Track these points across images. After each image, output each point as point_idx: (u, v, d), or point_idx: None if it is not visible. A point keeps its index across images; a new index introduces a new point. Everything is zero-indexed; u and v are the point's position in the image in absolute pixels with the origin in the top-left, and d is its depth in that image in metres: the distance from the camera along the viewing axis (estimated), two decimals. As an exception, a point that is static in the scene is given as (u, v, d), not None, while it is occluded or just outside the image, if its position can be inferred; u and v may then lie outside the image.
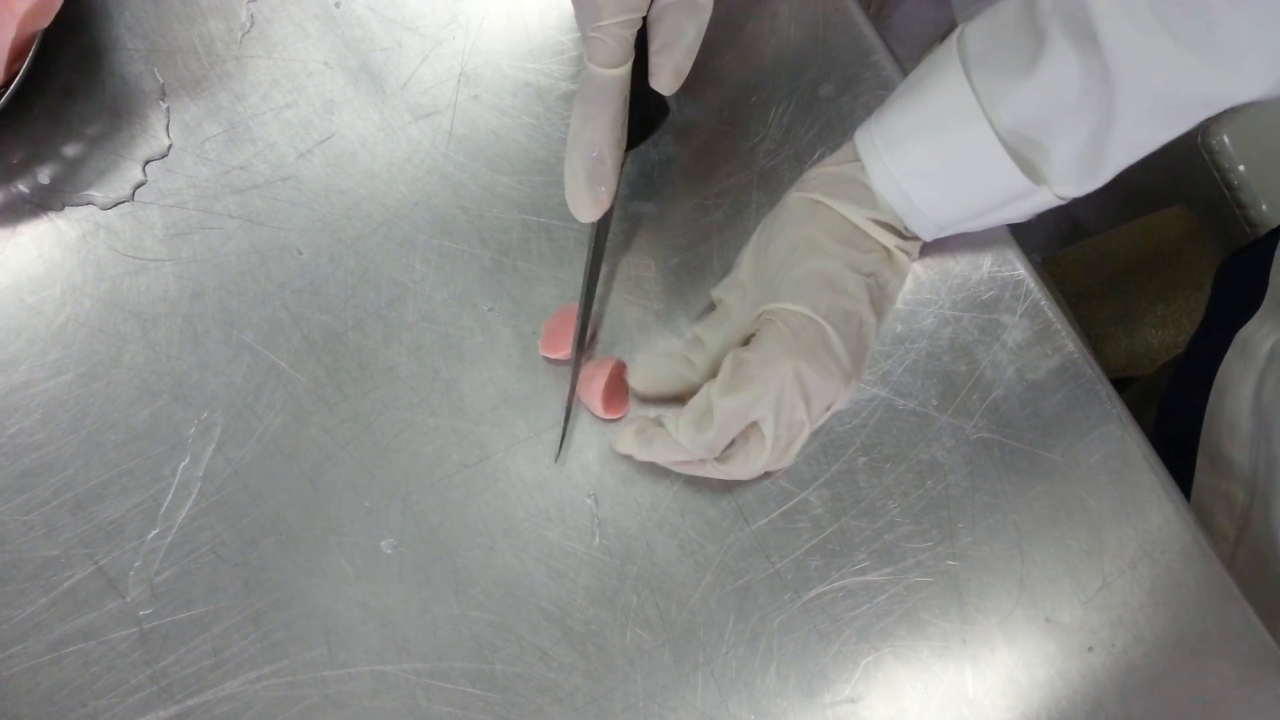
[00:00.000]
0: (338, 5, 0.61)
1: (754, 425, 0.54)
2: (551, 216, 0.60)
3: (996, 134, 0.50)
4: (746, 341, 0.55)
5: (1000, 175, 0.51)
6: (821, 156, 0.60)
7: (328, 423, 0.59)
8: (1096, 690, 0.58)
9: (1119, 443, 0.59)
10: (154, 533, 0.58)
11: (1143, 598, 0.58)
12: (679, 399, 0.57)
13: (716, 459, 0.55)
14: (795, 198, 0.56)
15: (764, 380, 0.52)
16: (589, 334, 0.59)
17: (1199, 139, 0.94)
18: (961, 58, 0.51)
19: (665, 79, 0.53)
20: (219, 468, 0.59)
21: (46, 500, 0.58)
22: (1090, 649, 0.58)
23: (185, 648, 0.58)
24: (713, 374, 0.55)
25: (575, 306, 0.59)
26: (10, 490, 0.58)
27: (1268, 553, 0.72)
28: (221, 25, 0.61)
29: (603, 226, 0.57)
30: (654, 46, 0.53)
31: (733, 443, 0.55)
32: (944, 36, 1.28)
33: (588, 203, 0.54)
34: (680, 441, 0.54)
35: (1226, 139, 0.93)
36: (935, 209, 0.54)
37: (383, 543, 0.58)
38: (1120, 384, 1.18)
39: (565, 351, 0.58)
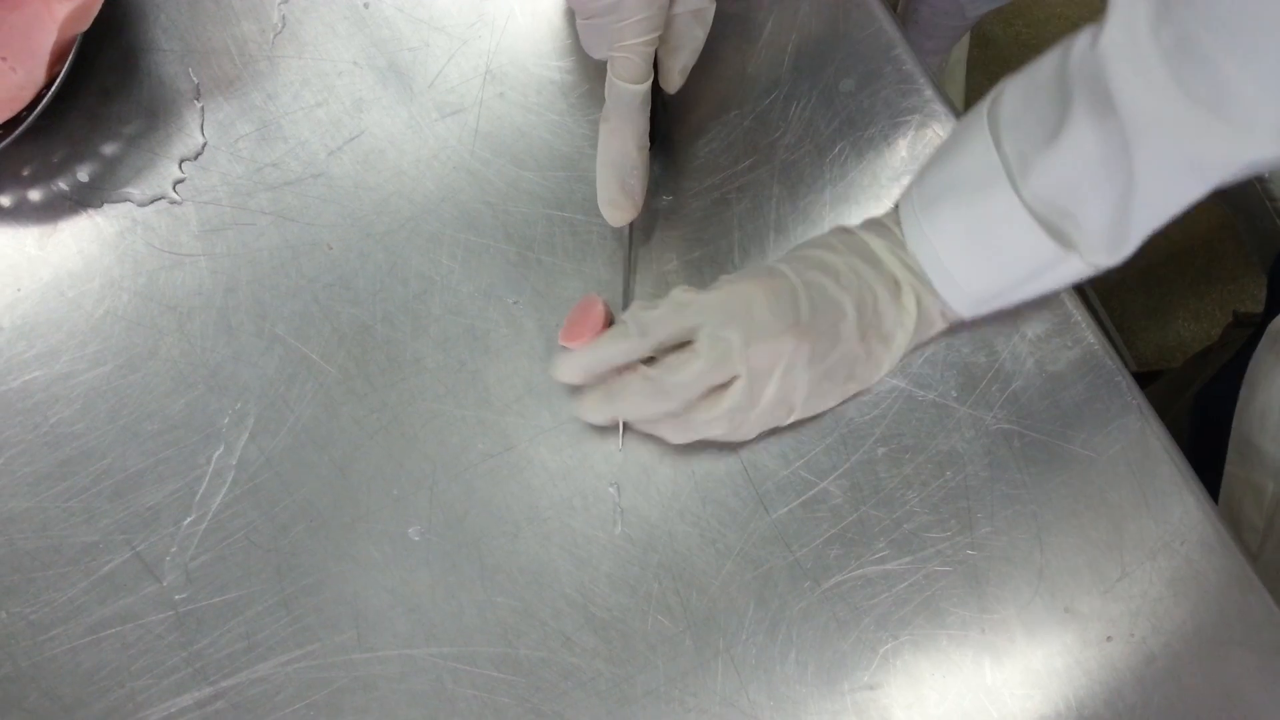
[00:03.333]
0: (366, 6, 0.63)
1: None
2: (575, 211, 0.61)
3: (1023, 201, 0.50)
4: None
5: (1029, 242, 0.51)
6: (842, 151, 0.61)
7: (357, 413, 0.61)
8: (1115, 680, 0.58)
9: (1139, 434, 0.59)
10: (189, 519, 0.60)
11: (1162, 588, 0.59)
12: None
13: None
14: (833, 229, 0.58)
15: (718, 290, 0.54)
16: (607, 323, 0.60)
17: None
18: (993, 121, 0.51)
19: (674, 80, 0.56)
20: (252, 456, 0.60)
21: (86, 487, 0.60)
22: (1109, 639, 0.58)
23: (219, 631, 0.59)
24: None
25: (595, 297, 0.60)
26: (51, 478, 0.60)
27: None
28: (254, 26, 0.63)
29: (633, 223, 0.60)
30: (663, 50, 0.55)
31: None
32: (964, 33, 1.28)
33: (625, 208, 0.57)
34: (622, 332, 0.55)
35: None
36: (968, 277, 0.54)
37: (410, 530, 0.60)
38: (1150, 376, 1.17)
39: (580, 342, 0.59)
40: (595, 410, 0.58)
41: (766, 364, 0.54)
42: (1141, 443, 0.59)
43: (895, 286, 0.56)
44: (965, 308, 0.56)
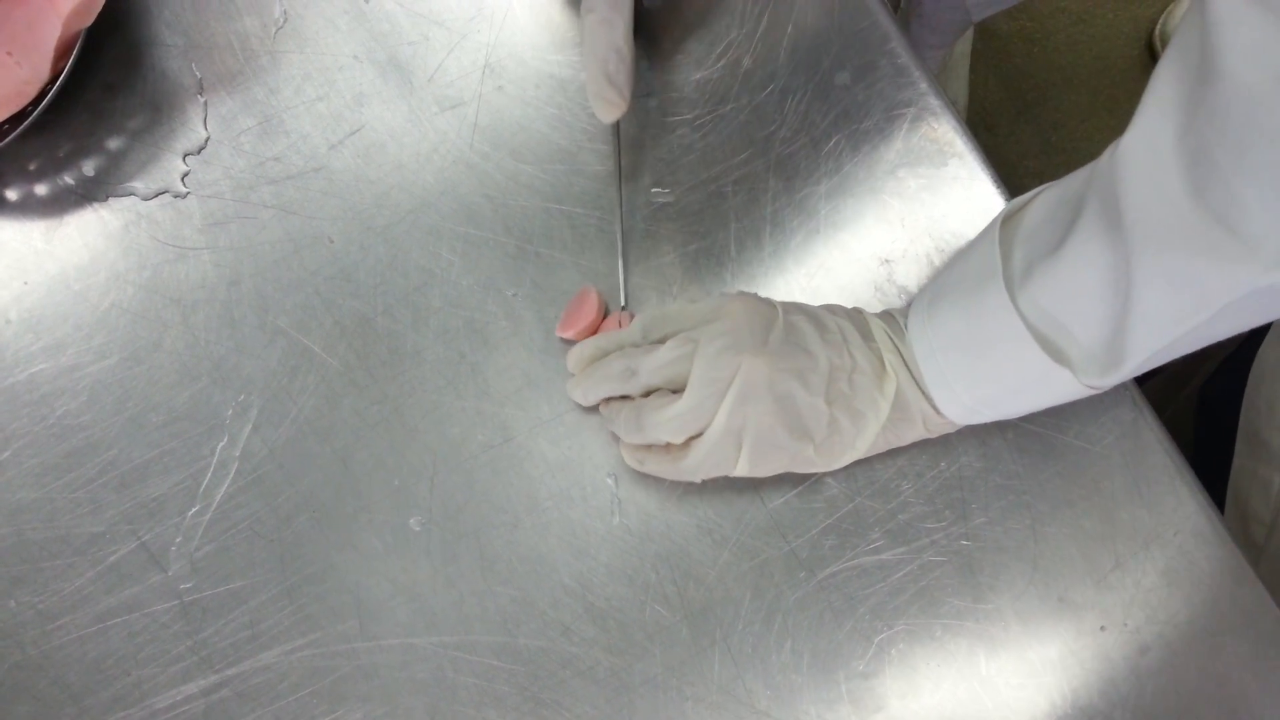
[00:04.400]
0: (367, 1, 0.63)
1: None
2: (573, 204, 0.62)
3: (1017, 308, 0.49)
4: None
5: (1020, 351, 0.50)
6: (838, 144, 0.61)
7: (358, 404, 0.61)
8: (1109, 669, 0.59)
9: (1132, 425, 0.60)
10: (194, 510, 0.61)
11: (1155, 578, 0.59)
12: None
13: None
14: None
15: (708, 302, 0.56)
16: (602, 314, 0.61)
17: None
18: (1012, 225, 0.52)
19: None
20: (255, 448, 0.61)
21: (92, 479, 0.61)
22: (1103, 628, 0.59)
23: (224, 620, 0.60)
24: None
25: (591, 289, 0.60)
26: (58, 469, 0.61)
27: None
28: (256, 21, 0.64)
29: (618, 129, 0.61)
30: None
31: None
32: (968, 28, 1.28)
33: (614, 100, 0.57)
34: (611, 336, 0.58)
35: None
36: (959, 377, 0.53)
37: (411, 520, 0.61)
38: (1154, 371, 1.18)
39: (577, 331, 0.60)
40: (576, 386, 0.60)
41: (721, 374, 0.53)
42: (1134, 434, 0.60)
43: (879, 367, 0.56)
44: (956, 413, 0.55)
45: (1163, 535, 0.59)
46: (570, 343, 0.61)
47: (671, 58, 0.62)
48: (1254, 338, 0.85)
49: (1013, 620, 0.59)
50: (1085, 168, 0.50)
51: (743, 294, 0.56)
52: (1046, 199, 0.52)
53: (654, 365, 0.55)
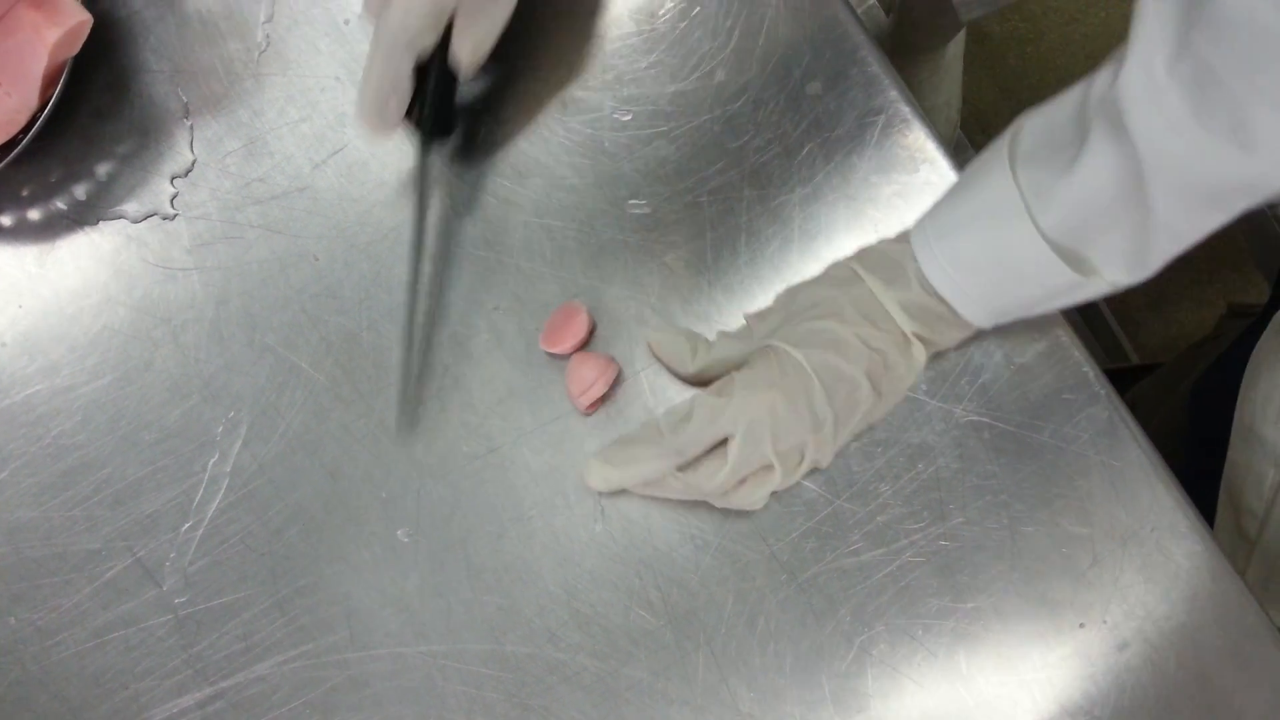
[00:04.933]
0: (347, 23, 0.65)
1: (721, 447, 0.57)
2: (552, 218, 0.63)
3: (1040, 232, 0.51)
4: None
5: (1046, 270, 0.52)
6: (810, 153, 0.62)
7: (345, 419, 0.63)
8: (1089, 666, 0.59)
9: (1107, 423, 0.60)
10: (187, 525, 0.62)
11: (1133, 575, 0.60)
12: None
13: (681, 469, 0.58)
14: (839, 264, 0.60)
15: (740, 400, 0.56)
16: (590, 331, 0.62)
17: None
18: (1011, 154, 0.52)
19: (463, 58, 0.57)
20: (245, 463, 0.62)
21: (88, 496, 0.62)
22: (1082, 625, 0.60)
23: (218, 633, 0.62)
24: (703, 377, 0.60)
25: (576, 304, 0.61)
26: (55, 488, 0.63)
27: None
28: (240, 46, 0.65)
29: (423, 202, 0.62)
30: (458, 21, 0.56)
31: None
32: (960, 29, 1.29)
33: (384, 113, 0.57)
34: (654, 440, 0.57)
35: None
36: (985, 297, 0.55)
37: (399, 531, 0.62)
38: (1152, 368, 1.18)
39: (565, 347, 0.61)
40: (605, 473, 0.59)
41: (791, 455, 0.57)
42: (1110, 432, 0.60)
43: (904, 342, 0.57)
44: (985, 320, 0.57)
45: (1140, 532, 0.60)
46: (556, 356, 0.62)
47: (646, 72, 0.63)
48: (1249, 334, 0.86)
49: (992, 619, 0.60)
50: (1073, 91, 0.51)
51: (767, 380, 0.56)
52: (1035, 126, 0.53)
53: (721, 483, 0.57)
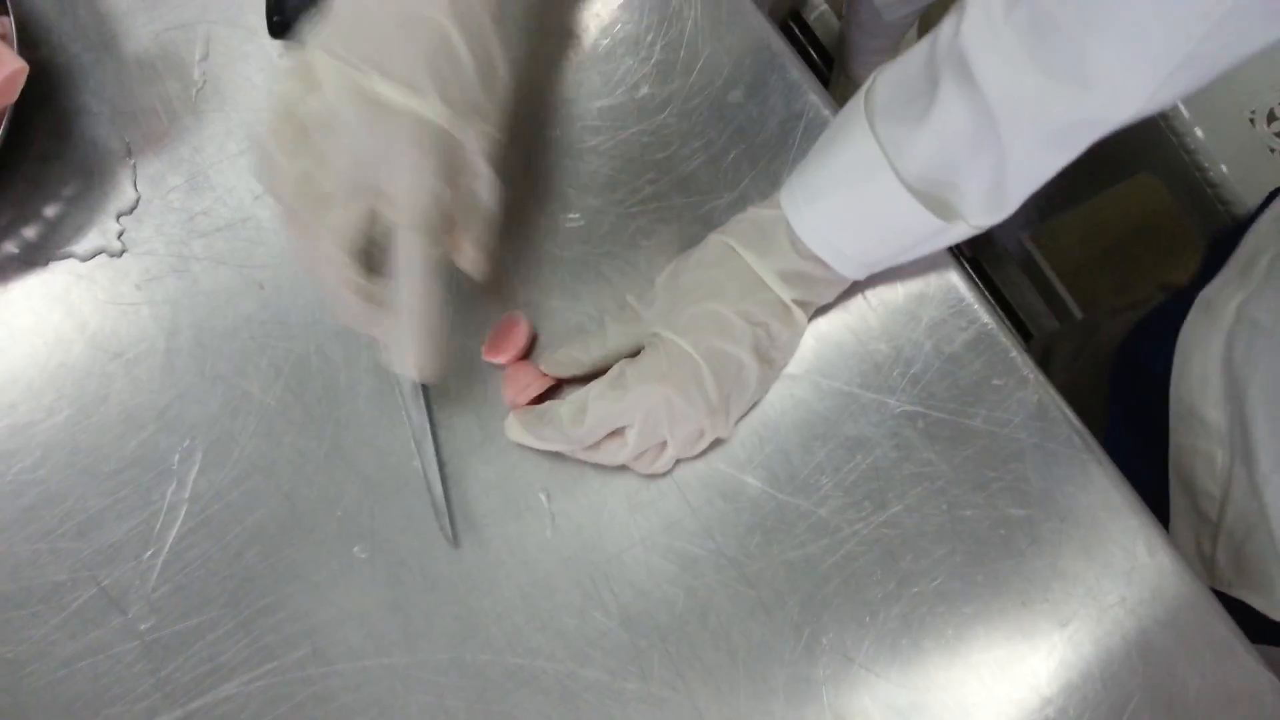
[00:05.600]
0: (280, 56, 0.66)
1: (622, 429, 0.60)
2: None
3: (903, 182, 0.52)
4: (638, 352, 0.60)
5: (914, 218, 0.53)
6: (736, 159, 0.64)
7: (298, 441, 0.64)
8: (1032, 643, 0.61)
9: (1037, 406, 0.62)
10: (149, 553, 0.64)
11: (1072, 552, 0.61)
12: (577, 380, 0.63)
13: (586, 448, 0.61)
14: (714, 239, 0.61)
15: (635, 395, 0.58)
16: (532, 340, 0.64)
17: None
18: (868, 110, 0.54)
19: (469, 257, 0.56)
20: (202, 489, 0.64)
21: (51, 530, 0.64)
22: (1024, 604, 0.61)
23: (184, 656, 0.63)
24: (604, 366, 0.61)
25: (517, 314, 0.63)
26: (18, 523, 0.64)
27: (1253, 511, 0.74)
28: (177, 84, 0.67)
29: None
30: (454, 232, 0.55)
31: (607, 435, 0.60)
32: (909, 29, 1.31)
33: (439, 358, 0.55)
34: (560, 426, 0.59)
35: (1180, 105, 0.95)
36: (860, 252, 0.57)
37: (355, 548, 0.63)
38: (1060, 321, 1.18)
39: (508, 356, 0.62)
40: (520, 436, 0.62)
41: (688, 438, 0.60)
42: (1041, 414, 0.62)
43: (785, 310, 0.59)
44: (858, 273, 0.59)
45: (1075, 510, 0.61)
46: (498, 366, 0.63)
47: (572, 90, 0.65)
48: (1175, 303, 0.87)
49: (937, 602, 0.61)
50: (921, 44, 0.53)
51: (658, 372, 0.58)
52: (888, 79, 0.54)
53: (618, 460, 0.61)
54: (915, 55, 0.53)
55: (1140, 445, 0.86)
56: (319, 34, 0.50)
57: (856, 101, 0.55)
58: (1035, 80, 0.46)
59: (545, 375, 0.62)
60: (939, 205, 0.53)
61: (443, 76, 0.50)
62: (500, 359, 0.63)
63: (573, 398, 0.59)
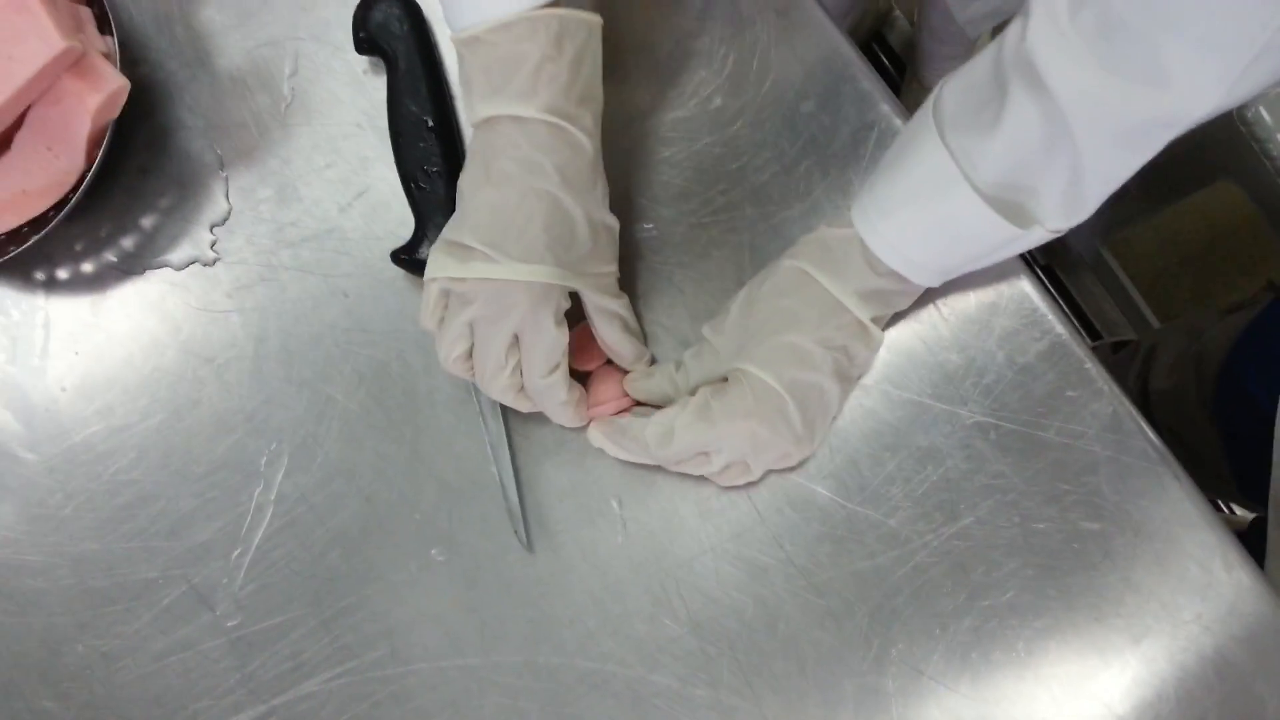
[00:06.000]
0: (365, 73, 0.69)
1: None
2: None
3: (978, 192, 0.52)
4: (724, 379, 0.61)
5: (990, 227, 0.53)
6: (808, 169, 0.64)
7: (379, 445, 0.66)
8: (1107, 658, 0.60)
9: (1112, 418, 0.61)
10: (236, 552, 0.66)
11: (1146, 566, 0.60)
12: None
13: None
14: (787, 265, 0.60)
15: (721, 430, 0.59)
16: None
17: (1234, 112, 0.94)
18: (937, 121, 0.54)
19: (626, 351, 0.64)
20: (288, 491, 0.66)
21: (145, 528, 0.67)
22: (1097, 619, 0.60)
23: (268, 653, 0.65)
24: (691, 392, 0.62)
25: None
26: (113, 521, 0.67)
27: None
28: (267, 99, 0.69)
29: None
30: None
31: None
32: (982, 35, 1.29)
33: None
34: (645, 446, 0.60)
35: (1263, 110, 0.93)
36: (937, 262, 0.57)
37: (433, 551, 0.65)
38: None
39: (591, 364, 0.64)
40: (604, 445, 0.63)
41: (772, 462, 0.62)
42: (1115, 426, 0.61)
43: (862, 329, 0.60)
44: (934, 281, 0.59)
45: (1150, 523, 0.60)
46: (578, 373, 0.64)
47: (646, 102, 0.66)
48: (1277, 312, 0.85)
49: (1008, 615, 0.61)
50: (986, 51, 0.52)
51: (745, 409, 0.59)
52: (954, 88, 0.54)
53: (701, 474, 0.63)
54: (981, 63, 0.52)
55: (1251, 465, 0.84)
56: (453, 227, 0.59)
57: (925, 113, 0.55)
58: (1107, 80, 0.45)
59: (627, 396, 0.63)
60: (1015, 212, 0.53)
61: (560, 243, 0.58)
62: (588, 366, 0.64)
63: (659, 419, 0.60)
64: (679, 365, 0.63)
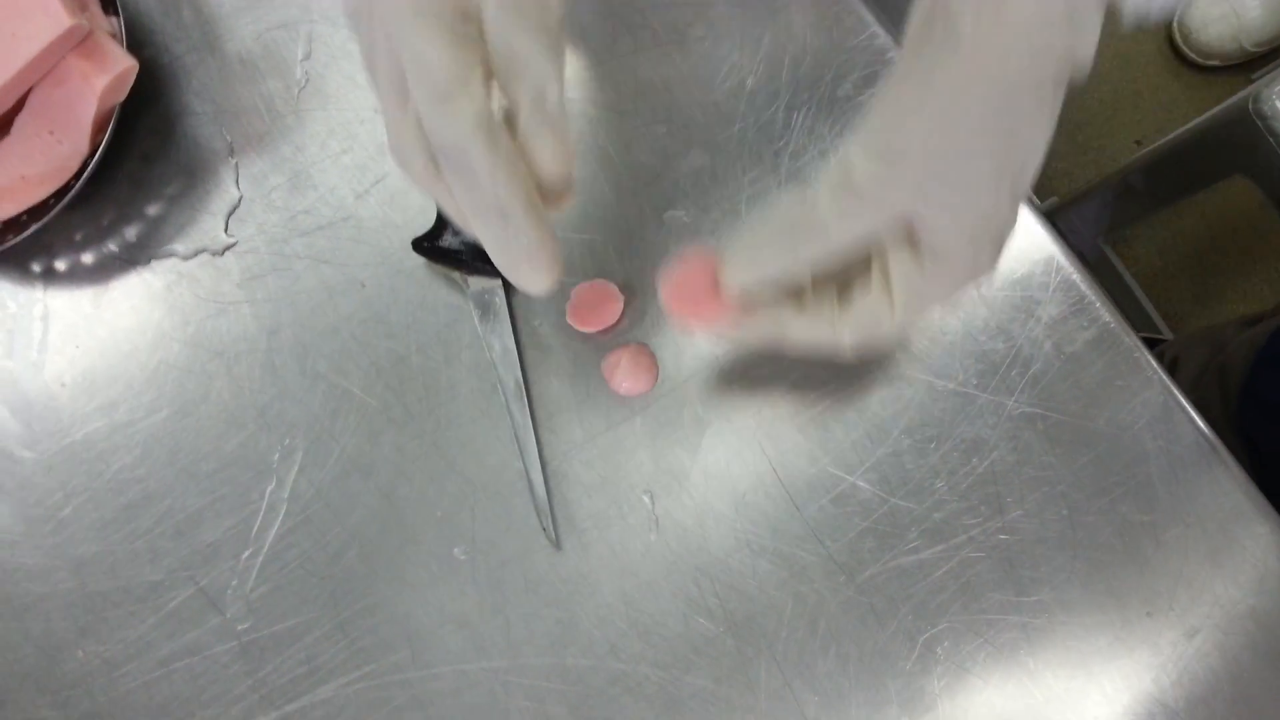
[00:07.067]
0: (383, 54, 0.66)
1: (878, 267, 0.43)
2: (594, 233, 0.64)
3: None
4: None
5: None
6: (845, 153, 0.63)
7: (398, 441, 0.63)
8: (1158, 655, 0.58)
9: (1162, 408, 0.60)
10: (247, 553, 0.63)
11: (1199, 559, 0.59)
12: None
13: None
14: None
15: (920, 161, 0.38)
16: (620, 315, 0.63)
17: (1250, 105, 0.93)
18: None
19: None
20: (302, 489, 0.63)
21: (150, 529, 0.63)
22: (1149, 614, 0.59)
23: (281, 657, 0.62)
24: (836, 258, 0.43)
25: (611, 286, 0.62)
26: (117, 522, 0.64)
27: None
28: (280, 84, 0.66)
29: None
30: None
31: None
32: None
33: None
34: (823, 218, 0.40)
35: (1279, 103, 0.92)
36: None
37: (455, 550, 0.62)
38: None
39: (594, 327, 0.62)
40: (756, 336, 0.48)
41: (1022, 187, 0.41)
42: (1165, 416, 0.60)
43: None
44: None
45: (1202, 516, 0.59)
46: (584, 335, 0.63)
47: (678, 85, 0.64)
48: None
49: (1057, 611, 0.59)
50: None
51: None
52: None
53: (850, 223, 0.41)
54: None
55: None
56: None
57: None
58: None
59: (650, 370, 0.61)
60: None
61: None
62: (586, 328, 0.62)
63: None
64: (803, 210, 0.42)
